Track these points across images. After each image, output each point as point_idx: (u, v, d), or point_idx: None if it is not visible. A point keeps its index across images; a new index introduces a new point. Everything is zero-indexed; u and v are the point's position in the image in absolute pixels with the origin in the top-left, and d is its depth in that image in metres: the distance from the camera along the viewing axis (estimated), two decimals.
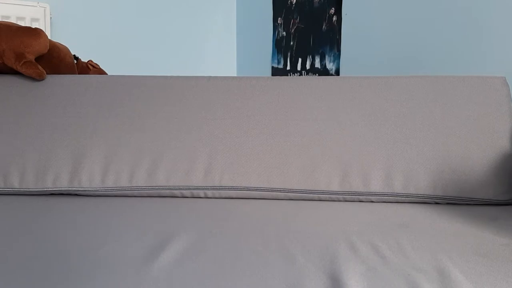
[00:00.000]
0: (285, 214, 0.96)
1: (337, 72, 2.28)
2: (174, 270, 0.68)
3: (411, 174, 1.06)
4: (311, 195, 1.07)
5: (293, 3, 2.51)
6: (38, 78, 1.18)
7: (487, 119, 1.09)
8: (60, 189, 1.08)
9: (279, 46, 2.64)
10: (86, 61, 1.47)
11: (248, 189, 1.07)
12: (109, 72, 1.53)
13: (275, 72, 2.67)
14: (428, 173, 1.05)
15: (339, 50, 2.26)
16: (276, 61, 2.67)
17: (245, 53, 2.93)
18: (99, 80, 1.22)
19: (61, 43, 1.37)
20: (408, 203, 1.06)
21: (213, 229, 0.84)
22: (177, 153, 1.10)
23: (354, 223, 0.90)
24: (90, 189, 1.08)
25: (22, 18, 2.17)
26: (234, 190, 1.07)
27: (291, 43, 2.55)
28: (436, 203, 1.06)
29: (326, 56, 2.34)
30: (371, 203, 1.06)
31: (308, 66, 2.46)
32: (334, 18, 2.27)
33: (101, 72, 1.50)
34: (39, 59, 1.22)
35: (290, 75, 2.53)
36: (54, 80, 1.20)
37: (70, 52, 1.38)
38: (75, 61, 1.41)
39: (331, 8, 2.29)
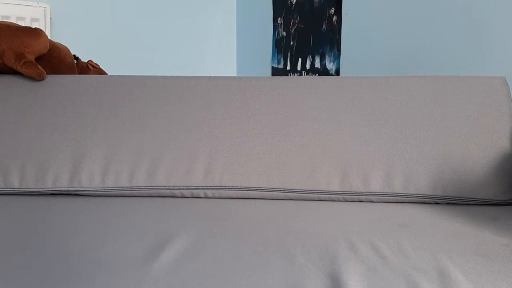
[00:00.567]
0: (285, 214, 0.96)
1: (337, 72, 2.28)
2: (174, 270, 0.68)
3: (411, 174, 1.06)
4: (311, 195, 1.07)
5: (293, 3, 2.51)
6: (38, 78, 1.18)
7: (487, 119, 1.09)
8: (60, 189, 1.08)
9: (279, 46, 2.64)
10: (86, 61, 1.47)
11: (248, 189, 1.07)
12: (109, 72, 1.53)
13: (275, 72, 2.67)
14: (428, 173, 1.05)
15: (339, 50, 2.26)
16: (276, 61, 2.67)
17: (245, 53, 2.93)
18: (99, 80, 1.22)
19: (61, 43, 1.37)
20: (408, 203, 1.06)
21: (213, 229, 0.84)
22: (177, 153, 1.10)
23: (354, 223, 0.90)
24: (90, 189, 1.08)
25: (22, 18, 2.17)
26: (234, 190, 1.07)
27: (291, 43, 2.55)
28: (436, 203, 1.06)
29: (326, 56, 2.34)
30: (371, 203, 1.06)
31: (308, 66, 2.46)
32: (334, 18, 2.27)
33: (101, 72, 1.50)
34: (39, 59, 1.22)
35: (290, 75, 2.53)
36: (54, 80, 1.20)
37: (70, 52, 1.38)
38: (75, 61, 1.41)
39: (331, 8, 2.29)
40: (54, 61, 1.29)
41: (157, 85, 1.19)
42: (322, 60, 2.37)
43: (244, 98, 1.16)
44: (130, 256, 0.72)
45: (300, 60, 2.51)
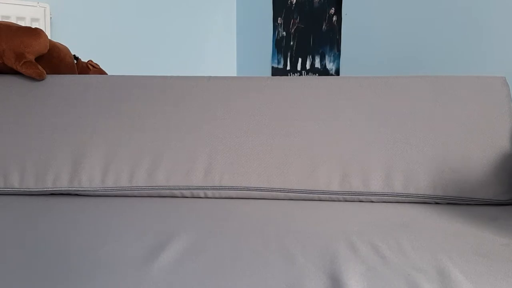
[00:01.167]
0: (285, 214, 0.96)
1: (337, 72, 2.28)
2: (174, 270, 0.68)
3: (411, 174, 1.06)
4: (311, 195, 1.07)
5: (293, 3, 2.51)
6: (38, 78, 1.18)
7: (487, 119, 1.09)
8: (60, 189, 1.08)
9: (279, 46, 2.64)
10: (86, 61, 1.47)
11: (248, 189, 1.07)
12: (109, 72, 1.53)
13: (275, 72, 2.67)
14: (428, 173, 1.05)
15: (339, 50, 2.26)
16: (276, 61, 2.67)
17: (245, 53, 2.93)
18: (99, 80, 1.22)
19: (61, 43, 1.37)
20: (408, 203, 1.06)
21: (213, 229, 0.84)
22: (177, 153, 1.10)
23: (354, 223, 0.90)
24: (90, 189, 1.08)
25: (22, 18, 2.17)
26: (234, 190, 1.07)
27: (291, 43, 2.55)
28: (436, 203, 1.06)
29: (326, 56, 2.34)
30: (371, 203, 1.06)
31: (308, 66, 2.46)
32: (334, 18, 2.27)
33: (101, 72, 1.50)
34: (39, 59, 1.22)
35: (290, 75, 2.53)
36: (54, 80, 1.20)
37: (70, 52, 1.38)
38: (75, 61, 1.41)
39: (331, 8, 2.29)
40: (54, 61, 1.29)
41: (157, 85, 1.19)
42: (322, 60, 2.37)
43: (244, 98, 1.16)
44: (130, 256, 0.72)
45: (300, 60, 2.51)
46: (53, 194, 1.09)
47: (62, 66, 1.32)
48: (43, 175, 1.08)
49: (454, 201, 1.05)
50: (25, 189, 1.08)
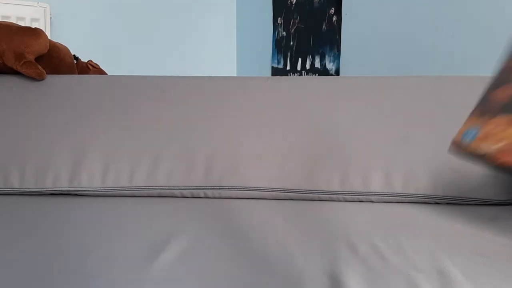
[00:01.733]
0: (285, 214, 0.96)
1: (337, 72, 2.28)
2: (174, 270, 0.68)
3: (411, 174, 1.06)
4: (311, 195, 1.07)
5: (293, 3, 2.51)
6: (38, 78, 1.18)
7: None
8: (60, 189, 1.08)
9: (279, 46, 2.64)
10: (86, 61, 1.47)
11: (248, 189, 1.07)
12: (109, 72, 1.53)
13: (275, 72, 2.67)
14: (428, 173, 1.05)
15: (339, 50, 2.26)
16: (276, 61, 2.67)
17: (245, 53, 2.93)
18: (99, 80, 1.22)
19: (61, 43, 1.37)
20: (408, 203, 1.05)
21: (213, 229, 0.84)
22: (177, 153, 1.10)
23: (354, 223, 0.90)
24: (90, 189, 1.08)
25: (22, 18, 2.17)
26: (234, 190, 1.07)
27: (291, 43, 2.55)
28: (436, 203, 1.06)
29: (326, 56, 2.34)
30: (371, 203, 1.06)
31: (308, 66, 2.46)
32: (334, 18, 2.28)
33: (101, 72, 1.50)
34: (39, 59, 1.22)
35: (290, 75, 2.53)
36: (54, 80, 1.20)
37: (70, 52, 1.38)
38: (75, 61, 1.41)
39: (331, 8, 2.29)
40: (54, 61, 1.29)
41: (157, 85, 1.19)
42: (322, 60, 2.37)
43: (244, 98, 1.16)
44: (130, 256, 0.72)
45: (300, 60, 2.51)
46: (53, 194, 1.09)
47: (62, 66, 1.32)
48: (43, 175, 1.08)
49: (454, 201, 1.05)
50: (25, 189, 1.08)
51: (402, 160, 1.07)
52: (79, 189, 1.08)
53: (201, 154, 1.10)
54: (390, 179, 1.06)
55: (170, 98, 1.16)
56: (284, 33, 2.59)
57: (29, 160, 1.09)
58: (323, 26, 2.34)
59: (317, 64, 2.39)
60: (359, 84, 1.16)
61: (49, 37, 1.28)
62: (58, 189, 1.08)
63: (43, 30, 1.29)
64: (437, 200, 1.05)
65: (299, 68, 2.51)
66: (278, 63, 2.65)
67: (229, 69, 2.95)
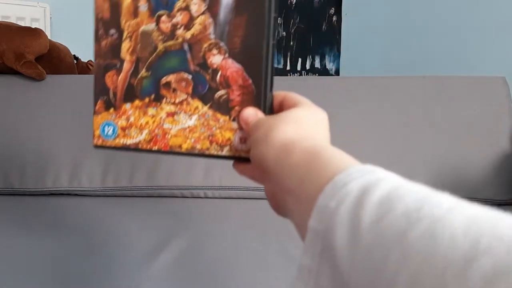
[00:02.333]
0: None
1: (337, 72, 2.28)
2: (174, 270, 0.68)
3: (411, 174, 1.05)
4: None
5: (293, 3, 2.51)
6: (38, 78, 1.18)
7: (487, 119, 1.09)
8: (60, 189, 1.08)
9: (279, 46, 2.64)
10: (86, 61, 1.47)
11: (248, 189, 1.07)
12: None
13: (275, 72, 2.67)
14: (428, 173, 1.05)
15: (339, 50, 2.26)
16: (276, 61, 2.67)
17: None
18: None
19: (61, 43, 1.37)
20: None
21: (213, 229, 0.84)
22: None
23: None
24: (90, 189, 1.08)
25: (22, 18, 2.17)
26: (234, 190, 1.07)
27: (291, 43, 2.55)
28: None
29: (326, 56, 2.34)
30: None
31: (308, 66, 2.46)
32: (334, 18, 2.27)
33: None
34: (39, 59, 1.22)
35: (290, 75, 2.53)
36: (54, 80, 1.20)
37: (70, 52, 1.38)
38: (75, 61, 1.41)
39: (331, 8, 2.29)
40: (54, 61, 1.29)
41: None
42: (322, 60, 2.37)
43: None
44: (130, 256, 0.72)
45: (300, 60, 2.51)
46: (53, 194, 1.09)
47: (62, 66, 1.32)
48: (43, 175, 1.08)
49: None
50: (25, 189, 1.08)
51: (402, 160, 1.07)
52: (79, 189, 1.08)
53: None
54: None
55: None
56: (284, 33, 2.59)
57: (29, 160, 1.09)
58: (323, 26, 2.34)
59: (317, 64, 2.39)
60: (359, 84, 1.16)
61: (49, 37, 1.28)
62: (58, 189, 1.08)
63: (43, 30, 1.29)
64: None
65: (299, 68, 2.51)
66: (278, 63, 2.65)
67: None
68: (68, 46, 1.39)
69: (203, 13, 0.37)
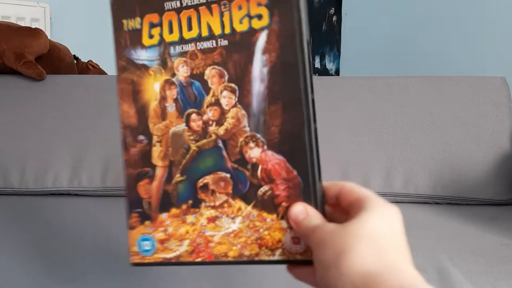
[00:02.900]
0: None
1: (337, 72, 2.28)
2: (174, 270, 0.68)
3: (411, 174, 1.06)
4: None
5: None
6: (38, 78, 1.18)
7: (487, 119, 1.09)
8: (60, 189, 1.08)
9: None
10: (86, 61, 1.47)
11: None
12: (109, 72, 1.53)
13: None
14: (428, 173, 1.05)
15: (339, 50, 2.26)
16: None
17: None
18: (99, 80, 1.22)
19: (61, 43, 1.37)
20: (408, 203, 1.05)
21: None
22: None
23: None
24: (90, 189, 1.07)
25: (22, 18, 2.17)
26: None
27: None
28: (436, 203, 1.06)
29: (326, 56, 2.34)
30: None
31: None
32: (334, 18, 2.28)
33: (101, 72, 1.49)
34: (39, 59, 1.22)
35: None
36: (54, 80, 1.20)
37: (70, 52, 1.38)
38: (75, 61, 1.41)
39: (331, 8, 2.29)
40: (54, 61, 1.29)
41: None
42: (322, 60, 2.37)
43: None
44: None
45: None
46: (53, 194, 1.09)
47: (62, 66, 1.32)
48: (43, 175, 1.08)
49: (454, 201, 1.05)
50: (25, 189, 1.08)
51: (402, 160, 1.07)
52: (79, 189, 1.08)
53: None
54: (390, 179, 1.06)
55: None
56: None
57: (29, 160, 1.09)
58: (323, 26, 2.34)
59: (317, 64, 2.39)
60: (359, 84, 1.16)
61: (49, 37, 1.28)
62: (58, 189, 1.08)
63: (43, 30, 1.29)
64: (437, 200, 1.05)
65: None
66: None
67: None
68: (68, 46, 1.39)
69: (234, 106, 0.35)
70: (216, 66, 0.35)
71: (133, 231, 0.37)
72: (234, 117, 0.35)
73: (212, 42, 0.35)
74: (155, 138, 0.37)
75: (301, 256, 0.35)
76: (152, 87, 0.37)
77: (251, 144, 0.35)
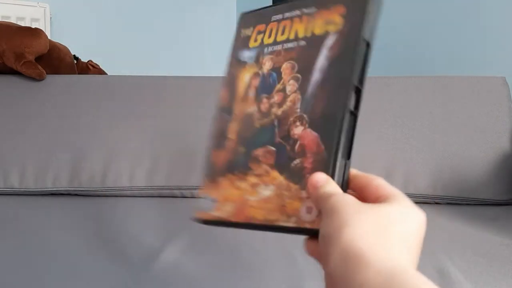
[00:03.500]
0: None
1: None
2: (174, 270, 0.68)
3: (411, 174, 1.06)
4: None
5: None
6: (38, 78, 1.18)
7: (487, 119, 1.09)
8: (60, 189, 1.08)
9: None
10: (86, 61, 1.47)
11: None
12: (109, 72, 1.53)
13: None
14: (428, 173, 1.05)
15: None
16: None
17: None
18: (99, 80, 1.22)
19: (61, 43, 1.37)
20: None
21: (213, 229, 0.84)
22: (177, 153, 1.10)
23: None
24: (90, 189, 1.07)
25: (22, 18, 2.17)
26: None
27: None
28: (436, 203, 1.06)
29: None
30: None
31: None
32: None
33: (101, 72, 1.49)
34: (39, 59, 1.22)
35: None
36: (54, 80, 1.20)
37: (70, 52, 1.38)
38: (75, 61, 1.41)
39: None
40: (54, 61, 1.29)
41: (157, 85, 1.19)
42: None
43: None
44: (130, 256, 0.72)
45: None
46: (53, 194, 1.09)
47: (62, 66, 1.32)
48: (43, 175, 1.08)
49: (454, 201, 1.05)
50: (25, 189, 1.08)
51: (402, 160, 1.07)
52: (79, 189, 1.08)
53: (201, 154, 1.09)
54: (390, 179, 1.06)
55: (170, 98, 1.16)
56: None
57: (29, 160, 1.09)
58: None
59: None
60: None
61: (49, 37, 1.28)
62: (58, 189, 1.08)
63: (43, 30, 1.29)
64: (437, 200, 1.05)
65: None
66: None
67: None
68: (68, 46, 1.39)
69: (294, 92, 0.41)
70: (291, 61, 0.42)
71: (201, 191, 0.46)
72: (292, 100, 0.41)
73: (294, 43, 0.43)
74: (234, 116, 0.45)
75: (310, 225, 0.37)
76: (244, 77, 0.46)
77: (297, 123, 0.40)
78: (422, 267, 0.72)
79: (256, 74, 0.45)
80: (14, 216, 0.93)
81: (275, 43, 0.44)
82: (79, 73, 1.41)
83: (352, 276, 0.28)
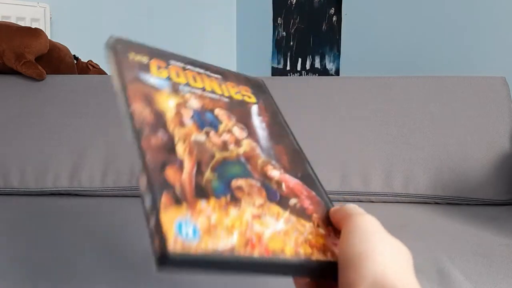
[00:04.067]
0: None
1: (337, 72, 2.28)
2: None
3: (411, 174, 1.06)
4: None
5: (293, 3, 2.51)
6: (38, 78, 1.18)
7: (487, 119, 1.09)
8: (60, 189, 1.08)
9: (279, 46, 2.64)
10: (86, 61, 1.47)
11: None
12: (109, 72, 1.53)
13: (275, 72, 2.67)
14: (428, 173, 1.05)
15: (339, 50, 2.26)
16: (276, 61, 2.67)
17: (245, 53, 2.93)
18: (99, 80, 1.22)
19: (61, 43, 1.37)
20: (408, 203, 1.05)
21: None
22: None
23: None
24: (90, 189, 1.08)
25: (22, 18, 2.17)
26: None
27: (291, 43, 2.55)
28: (436, 203, 1.06)
29: (326, 56, 2.34)
30: (371, 203, 1.06)
31: (308, 66, 2.46)
32: (334, 18, 2.27)
33: (101, 72, 1.49)
34: (39, 59, 1.22)
35: (290, 75, 2.53)
36: (54, 80, 1.20)
37: (70, 52, 1.38)
38: (75, 61, 1.41)
39: (331, 8, 2.29)
40: (54, 61, 1.29)
41: None
42: (322, 60, 2.37)
43: None
44: (130, 256, 0.72)
45: (300, 60, 2.51)
46: (53, 194, 1.09)
47: (62, 66, 1.32)
48: (43, 175, 1.08)
49: (454, 201, 1.05)
50: (25, 189, 1.08)
51: (402, 160, 1.07)
52: (79, 189, 1.08)
53: None
54: (390, 179, 1.06)
55: None
56: (284, 33, 2.59)
57: (29, 160, 1.09)
58: (323, 26, 2.34)
59: (317, 64, 2.39)
60: (359, 84, 1.16)
61: (49, 37, 1.28)
62: (58, 189, 1.08)
63: (43, 30, 1.29)
64: (437, 200, 1.05)
65: (299, 68, 2.51)
66: (278, 63, 2.65)
67: (229, 69, 2.95)
68: (68, 46, 1.39)
69: (247, 138, 0.38)
70: (224, 110, 0.39)
71: (167, 213, 0.31)
72: (248, 145, 0.38)
73: (215, 95, 0.40)
74: (176, 138, 0.36)
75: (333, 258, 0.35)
76: (166, 102, 0.38)
77: (270, 166, 0.37)
78: (422, 267, 0.72)
79: (182, 105, 0.39)
80: (14, 216, 0.93)
81: (190, 86, 0.40)
82: (79, 73, 1.41)
83: None
